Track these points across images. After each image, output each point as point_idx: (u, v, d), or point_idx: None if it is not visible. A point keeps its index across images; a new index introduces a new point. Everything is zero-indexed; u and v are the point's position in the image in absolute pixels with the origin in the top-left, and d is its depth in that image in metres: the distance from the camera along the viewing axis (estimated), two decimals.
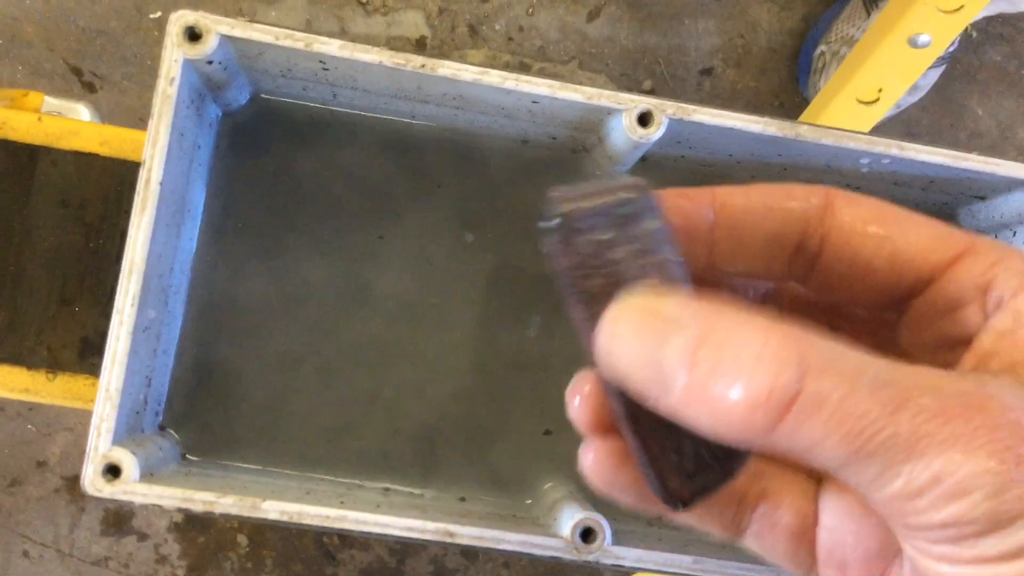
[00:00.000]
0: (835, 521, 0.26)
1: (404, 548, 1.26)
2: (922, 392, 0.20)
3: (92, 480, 0.38)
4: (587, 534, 0.40)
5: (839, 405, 0.20)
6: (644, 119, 0.42)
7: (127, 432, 0.41)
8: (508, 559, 1.27)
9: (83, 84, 1.34)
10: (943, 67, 1.36)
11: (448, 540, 0.39)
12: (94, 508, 1.24)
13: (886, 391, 0.20)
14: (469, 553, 1.26)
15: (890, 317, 0.28)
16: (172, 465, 0.44)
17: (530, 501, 0.47)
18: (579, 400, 0.26)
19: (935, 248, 0.25)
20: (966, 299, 0.25)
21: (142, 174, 0.40)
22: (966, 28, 1.40)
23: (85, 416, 1.24)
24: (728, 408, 0.20)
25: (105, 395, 0.39)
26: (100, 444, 0.38)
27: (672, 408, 0.21)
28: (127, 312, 0.39)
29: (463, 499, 0.46)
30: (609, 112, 0.43)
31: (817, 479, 0.27)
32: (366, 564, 1.25)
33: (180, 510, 0.38)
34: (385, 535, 0.39)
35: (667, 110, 0.42)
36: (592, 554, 0.40)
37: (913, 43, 0.86)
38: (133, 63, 1.35)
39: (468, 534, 0.40)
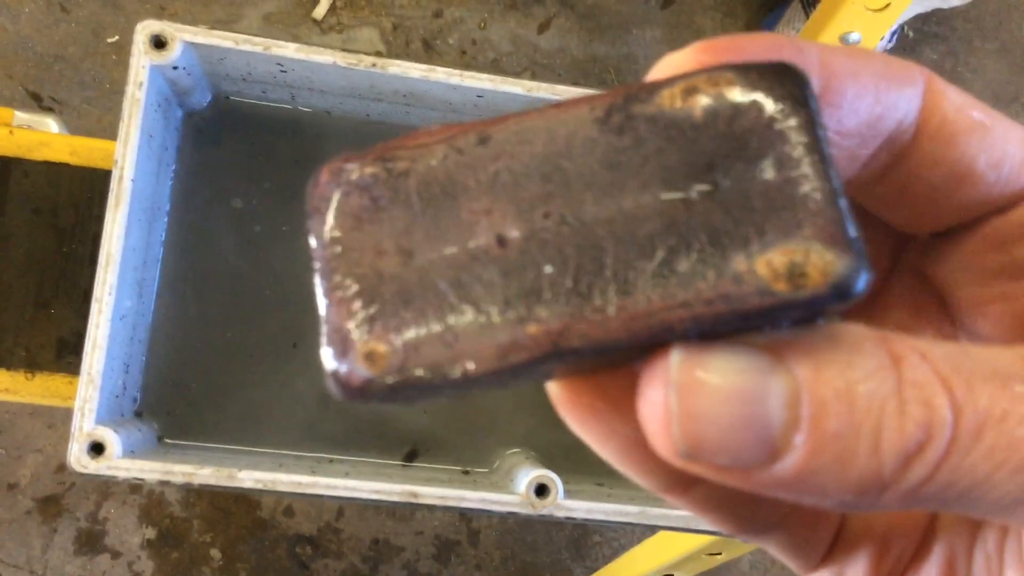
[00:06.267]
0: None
1: (378, 554, 1.28)
2: None
3: (77, 457, 0.41)
4: (541, 490, 0.43)
5: (1004, 424, 0.14)
6: None
7: (108, 414, 0.43)
8: (480, 561, 1.29)
9: (43, 109, 1.36)
10: None
11: (412, 501, 0.43)
12: (66, 528, 1.25)
13: None
14: (442, 557, 1.29)
15: (923, 238, 0.22)
16: (151, 446, 0.46)
17: (487, 469, 0.50)
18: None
19: None
20: None
21: (115, 173, 0.43)
22: (902, 27, 1.46)
23: (55, 438, 1.25)
24: (869, 470, 0.14)
25: (87, 378, 0.41)
26: (84, 423, 0.41)
27: (782, 481, 0.15)
28: (105, 300, 0.42)
29: (423, 468, 0.49)
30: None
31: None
32: (339, 572, 1.27)
33: (161, 483, 0.41)
34: (354, 499, 0.42)
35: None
36: (546, 508, 0.43)
37: (845, 41, 0.91)
38: (92, 87, 1.37)
39: (431, 494, 0.43)
